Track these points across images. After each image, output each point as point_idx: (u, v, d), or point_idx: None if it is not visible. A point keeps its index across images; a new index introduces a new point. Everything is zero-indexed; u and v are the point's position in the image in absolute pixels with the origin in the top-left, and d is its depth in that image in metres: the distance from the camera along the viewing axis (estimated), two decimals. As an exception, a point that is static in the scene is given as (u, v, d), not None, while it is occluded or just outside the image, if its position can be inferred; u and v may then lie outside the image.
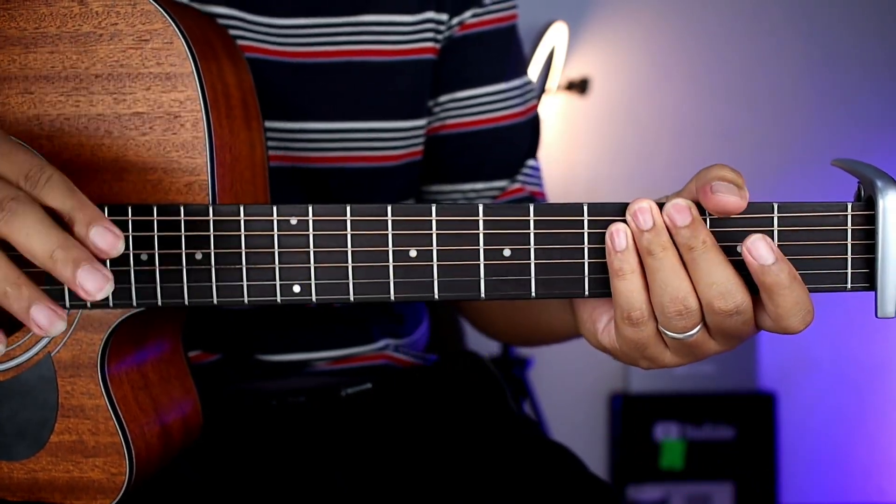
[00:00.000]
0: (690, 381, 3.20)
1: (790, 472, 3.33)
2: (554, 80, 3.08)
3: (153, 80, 0.91)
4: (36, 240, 0.77)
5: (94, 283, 0.77)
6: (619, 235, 0.82)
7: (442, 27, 1.25)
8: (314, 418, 1.22)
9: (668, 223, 0.81)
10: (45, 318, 0.78)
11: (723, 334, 0.84)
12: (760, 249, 0.79)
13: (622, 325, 0.86)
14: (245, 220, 0.87)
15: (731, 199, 0.80)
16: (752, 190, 0.82)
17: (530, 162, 1.33)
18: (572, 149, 3.26)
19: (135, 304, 0.90)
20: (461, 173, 1.31)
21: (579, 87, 3.20)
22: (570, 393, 3.25)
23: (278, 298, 0.88)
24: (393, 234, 0.86)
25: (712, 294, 0.81)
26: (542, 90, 3.04)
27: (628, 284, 0.83)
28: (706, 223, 0.83)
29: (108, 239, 0.78)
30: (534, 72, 2.98)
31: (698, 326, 0.84)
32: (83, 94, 0.92)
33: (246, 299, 0.88)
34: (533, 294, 0.85)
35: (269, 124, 1.18)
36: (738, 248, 0.82)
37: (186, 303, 0.89)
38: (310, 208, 0.86)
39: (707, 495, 3.19)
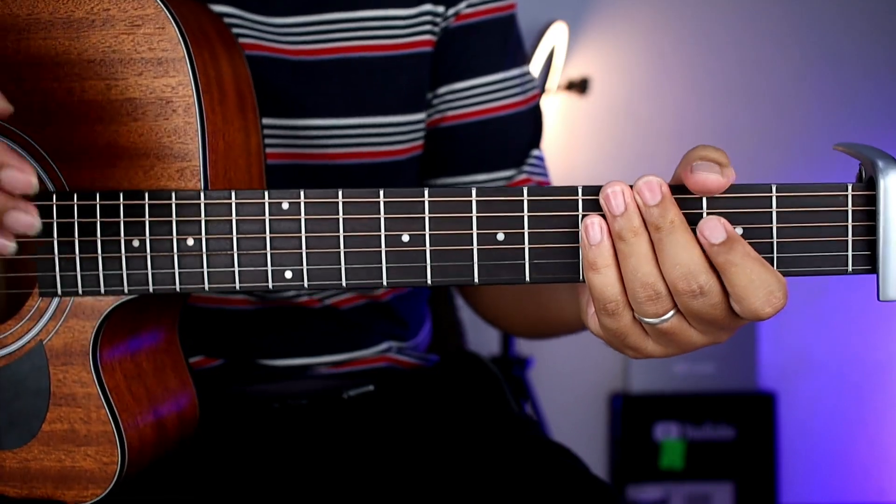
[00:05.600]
0: (690, 381, 3.20)
1: (790, 472, 3.32)
2: (554, 80, 3.08)
3: (145, 65, 0.91)
4: None
5: (23, 225, 0.81)
6: (593, 228, 0.81)
7: (438, 19, 1.24)
8: (316, 420, 1.22)
9: (638, 202, 0.80)
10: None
11: (698, 320, 0.83)
12: (712, 229, 0.78)
13: (600, 315, 0.85)
14: (237, 205, 0.87)
15: (710, 178, 0.79)
16: (751, 190, 0.81)
17: (535, 152, 1.32)
18: (572, 149, 3.25)
19: (126, 290, 0.89)
20: (463, 165, 1.30)
21: (579, 86, 3.19)
22: (570, 393, 3.24)
23: (270, 284, 0.87)
24: (385, 218, 0.85)
25: (676, 274, 0.80)
26: (543, 90, 3.04)
27: (602, 278, 0.82)
28: (703, 204, 0.82)
29: (17, 179, 0.79)
30: (534, 72, 2.97)
31: (671, 311, 0.83)
32: (75, 80, 0.92)
33: (237, 285, 0.87)
34: (527, 279, 0.84)
35: (270, 121, 1.18)
36: (737, 230, 0.81)
37: (178, 289, 0.88)
38: (301, 192, 0.86)
39: (707, 495, 3.18)
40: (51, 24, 0.92)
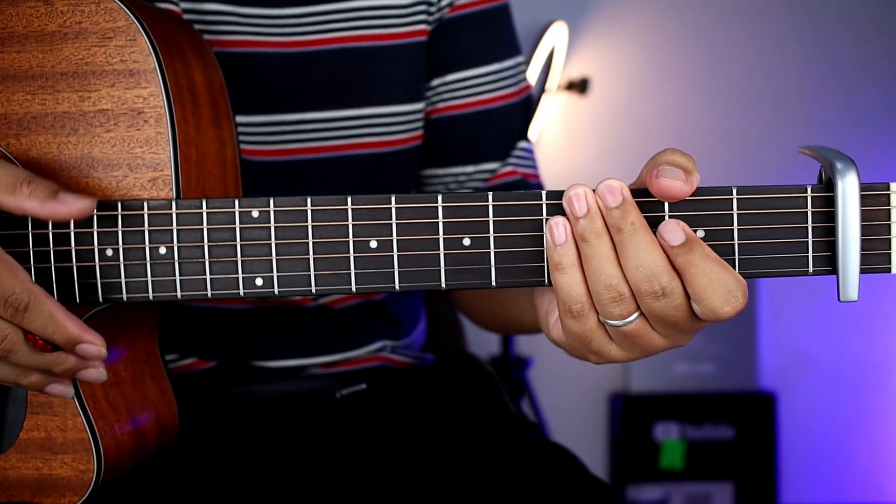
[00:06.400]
0: (690, 381, 3.19)
1: (790, 472, 3.32)
2: (554, 80, 3.08)
3: (117, 76, 0.92)
4: (34, 365, 0.89)
5: (91, 378, 0.91)
6: (557, 228, 0.82)
7: (432, 9, 1.24)
8: (309, 420, 1.22)
9: (599, 205, 0.80)
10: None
11: (661, 322, 0.83)
12: (670, 231, 0.79)
13: (565, 319, 0.85)
14: (207, 214, 0.87)
15: (674, 185, 0.80)
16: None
17: (522, 144, 1.32)
18: (572, 149, 3.25)
19: (101, 299, 0.90)
20: (451, 156, 1.30)
21: (579, 87, 3.19)
22: (570, 393, 3.24)
23: (241, 292, 0.88)
24: (353, 225, 0.86)
25: (638, 276, 0.81)
26: (543, 90, 3.04)
27: (568, 278, 0.82)
28: (665, 206, 0.82)
29: (91, 351, 0.89)
30: (534, 72, 2.98)
31: (635, 314, 0.83)
32: (49, 92, 0.92)
33: (209, 293, 0.88)
34: (493, 283, 0.85)
35: (268, 118, 1.18)
36: (698, 233, 0.82)
37: (151, 297, 0.89)
38: (271, 200, 0.87)
39: (707, 495, 3.18)
40: (24, 38, 0.93)
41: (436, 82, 1.27)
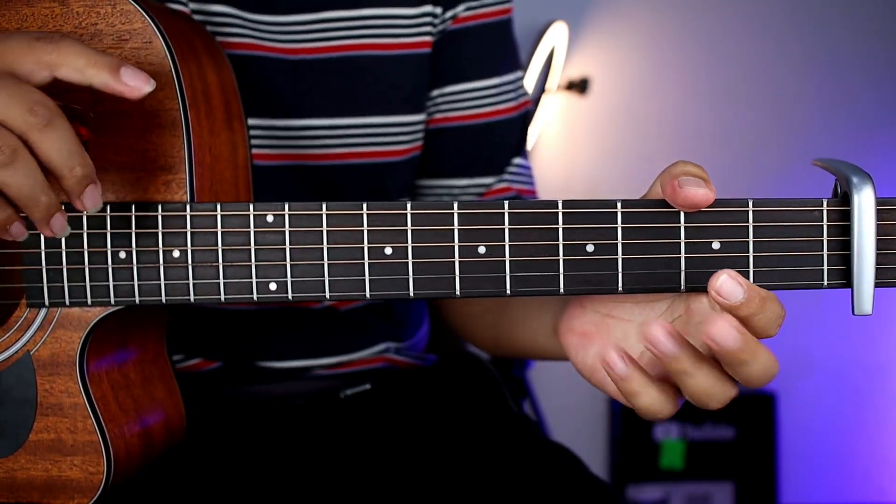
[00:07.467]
0: (691, 380, 3.19)
1: (790, 472, 3.32)
2: (554, 80, 3.07)
3: None
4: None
5: (92, 201, 0.82)
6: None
7: (437, 20, 1.24)
8: (313, 420, 1.22)
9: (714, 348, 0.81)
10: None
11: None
12: (730, 288, 0.78)
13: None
14: (222, 217, 0.87)
15: (699, 192, 0.80)
16: (751, 190, 0.81)
17: (517, 160, 1.31)
18: (572, 149, 3.25)
19: (112, 301, 0.90)
20: (446, 168, 1.30)
21: (579, 87, 3.19)
22: (570, 393, 3.24)
23: (255, 296, 0.88)
24: (368, 231, 0.86)
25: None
26: (542, 90, 3.04)
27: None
28: (681, 218, 0.83)
29: (95, 198, 0.82)
30: (534, 72, 2.98)
31: None
32: (63, 93, 0.92)
33: (223, 297, 0.88)
34: (508, 291, 0.85)
35: (271, 122, 1.18)
36: (713, 245, 0.82)
37: (164, 300, 0.89)
38: (286, 205, 0.86)
39: (707, 495, 3.18)
40: None
41: (436, 93, 1.27)
